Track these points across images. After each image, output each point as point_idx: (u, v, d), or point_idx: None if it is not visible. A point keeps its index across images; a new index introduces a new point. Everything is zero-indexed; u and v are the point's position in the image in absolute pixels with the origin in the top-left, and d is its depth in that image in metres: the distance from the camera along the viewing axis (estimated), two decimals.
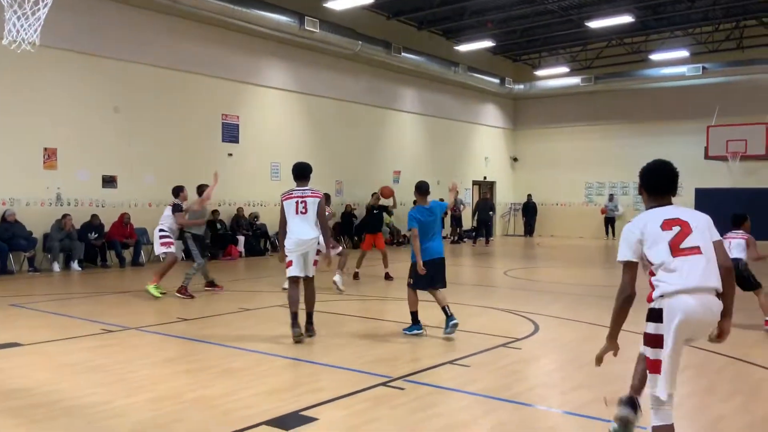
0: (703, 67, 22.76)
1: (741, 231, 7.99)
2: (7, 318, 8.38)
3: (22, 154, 13.50)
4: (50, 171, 13.97)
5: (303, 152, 19.55)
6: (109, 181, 14.91)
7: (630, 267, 3.53)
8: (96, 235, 14.23)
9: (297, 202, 7.04)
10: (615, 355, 3.76)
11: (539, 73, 26.08)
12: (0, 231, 12.88)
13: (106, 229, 14.50)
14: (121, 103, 15.14)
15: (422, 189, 7.76)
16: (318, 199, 7.14)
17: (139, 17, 15.34)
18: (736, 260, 7.59)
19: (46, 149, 13.91)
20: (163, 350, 6.71)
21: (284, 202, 7.12)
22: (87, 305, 9.51)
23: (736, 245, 7.78)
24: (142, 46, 15.48)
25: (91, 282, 12.35)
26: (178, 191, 10.47)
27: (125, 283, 12.22)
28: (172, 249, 10.05)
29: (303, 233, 6.98)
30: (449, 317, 7.17)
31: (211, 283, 10.67)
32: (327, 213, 8.20)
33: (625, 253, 3.53)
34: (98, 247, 14.35)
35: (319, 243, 7.36)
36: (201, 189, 10.56)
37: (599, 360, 3.76)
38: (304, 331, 6.99)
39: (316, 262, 7.28)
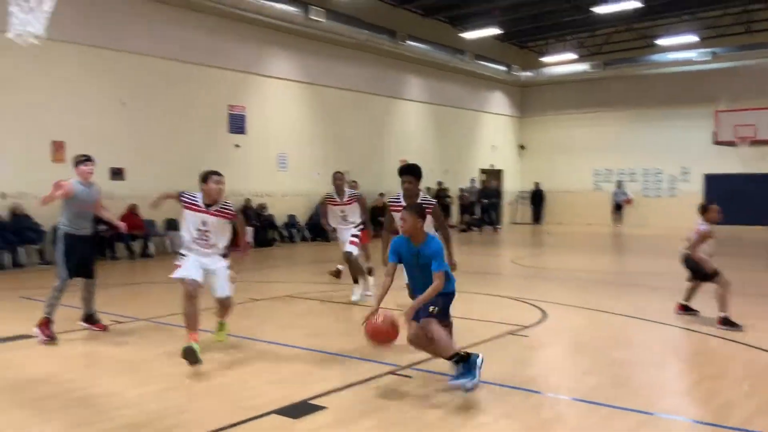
0: (713, 52, 22.55)
1: (701, 220, 7.64)
2: (18, 310, 8.46)
3: (30, 148, 13.57)
4: (58, 164, 14.02)
5: (310, 142, 19.59)
6: (117, 173, 14.98)
7: None
8: (105, 227, 14.29)
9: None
10: None
11: (546, 59, 25.92)
12: (10, 225, 12.99)
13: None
14: (128, 96, 15.18)
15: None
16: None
17: (144, 8, 15.35)
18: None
19: (54, 142, 13.97)
20: (173, 341, 6.74)
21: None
22: (97, 297, 9.58)
23: (693, 236, 7.58)
24: (148, 38, 15.49)
25: (100, 274, 12.38)
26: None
27: (135, 275, 12.30)
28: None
29: None
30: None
31: None
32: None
33: None
34: (107, 239, 14.43)
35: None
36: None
37: None
38: None
39: None
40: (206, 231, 5.94)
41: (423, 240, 5.13)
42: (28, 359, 6.06)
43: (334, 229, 9.23)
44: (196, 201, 5.98)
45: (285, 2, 16.43)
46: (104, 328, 7.15)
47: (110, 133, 14.80)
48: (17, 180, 13.32)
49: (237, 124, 17.68)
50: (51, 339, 6.54)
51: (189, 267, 5.81)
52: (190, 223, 5.97)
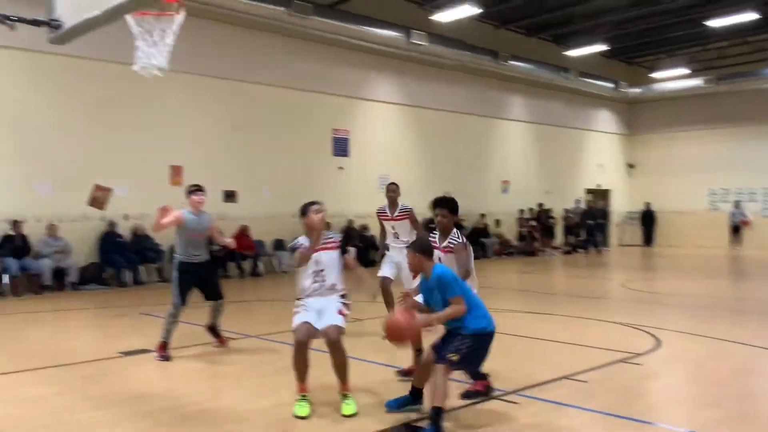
0: None
1: None
2: (138, 326, 8.96)
3: (150, 172, 14.45)
4: (176, 187, 14.83)
5: (411, 164, 19.74)
6: (229, 196, 15.66)
7: None
8: (218, 248, 14.93)
9: None
10: None
11: (656, 75, 24.94)
12: (131, 244, 13.85)
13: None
14: (239, 122, 15.89)
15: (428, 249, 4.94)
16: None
17: (253, 38, 16.07)
18: None
19: (172, 167, 14.82)
20: (283, 358, 6.92)
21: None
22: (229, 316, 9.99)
23: None
24: (257, 66, 16.20)
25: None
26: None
27: (245, 293, 12.76)
28: None
29: None
30: None
31: None
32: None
33: None
34: (220, 259, 15.06)
35: None
36: None
37: None
38: None
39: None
40: (320, 271, 5.27)
41: (431, 274, 4.75)
42: (145, 373, 6.39)
43: (387, 247, 8.00)
44: (303, 244, 5.33)
45: (388, 28, 16.73)
46: (224, 343, 7.39)
47: (223, 158, 15.53)
48: (138, 202, 14.17)
49: (340, 147, 18.10)
50: (167, 360, 6.77)
51: (302, 315, 5.20)
52: (308, 269, 5.31)
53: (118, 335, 8.25)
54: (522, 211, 22.23)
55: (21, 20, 5.39)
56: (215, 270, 7.57)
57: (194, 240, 7.06)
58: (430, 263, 4.77)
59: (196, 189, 7.19)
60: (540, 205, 23.04)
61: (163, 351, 6.82)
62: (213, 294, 7.25)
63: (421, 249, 4.79)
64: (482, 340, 4.71)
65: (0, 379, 6.14)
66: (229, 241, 7.63)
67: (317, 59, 17.35)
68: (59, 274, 12.83)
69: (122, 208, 14.03)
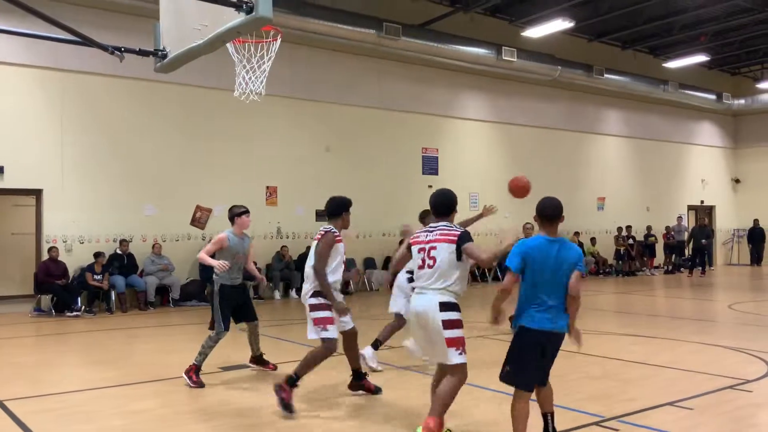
0: None
1: None
2: (237, 341, 9.20)
3: (248, 192, 14.95)
4: (271, 207, 15.32)
5: (501, 182, 19.43)
6: (321, 215, 15.97)
7: None
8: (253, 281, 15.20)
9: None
10: None
11: (762, 86, 23.62)
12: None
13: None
14: (332, 143, 16.23)
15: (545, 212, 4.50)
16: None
17: (346, 61, 16.42)
18: None
19: (268, 187, 15.30)
20: (374, 376, 6.95)
21: None
22: (303, 331, 10.14)
23: None
24: (349, 88, 16.53)
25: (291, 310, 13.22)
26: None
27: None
28: None
29: None
30: None
31: None
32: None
33: None
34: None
35: None
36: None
37: None
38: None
39: None
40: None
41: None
42: (246, 388, 6.57)
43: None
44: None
45: (478, 45, 16.71)
46: (274, 368, 7.30)
47: (316, 178, 15.89)
48: None
49: (430, 165, 18.13)
50: (199, 386, 6.52)
51: None
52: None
53: (216, 350, 8.50)
54: (620, 228, 21.44)
55: (129, 51, 5.73)
56: (247, 291, 7.41)
57: (235, 262, 6.84)
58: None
59: (246, 211, 7.06)
60: (619, 229, 21.66)
61: (195, 376, 6.62)
62: (249, 315, 7.12)
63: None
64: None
65: (108, 392, 6.49)
66: (261, 278, 7.56)
67: (407, 79, 17.52)
68: (163, 290, 13.47)
69: (222, 227, 14.54)
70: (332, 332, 5.67)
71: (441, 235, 4.63)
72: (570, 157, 21.33)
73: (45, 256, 12.61)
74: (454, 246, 4.53)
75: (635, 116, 23.14)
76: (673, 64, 21.20)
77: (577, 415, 5.36)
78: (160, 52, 5.76)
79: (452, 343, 4.42)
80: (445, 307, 4.46)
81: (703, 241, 20.79)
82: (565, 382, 6.59)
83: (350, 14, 14.86)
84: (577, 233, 20.18)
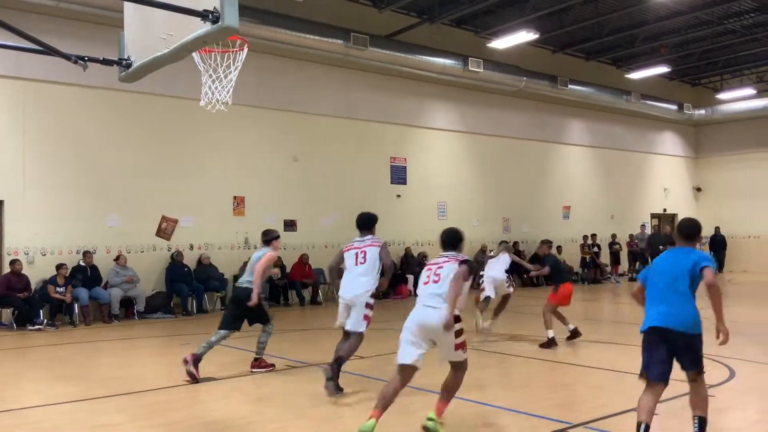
0: None
1: None
2: (207, 356, 9.10)
3: (215, 202, 14.84)
4: (239, 217, 15.19)
5: (468, 191, 19.65)
6: (289, 225, 15.91)
7: None
8: (279, 276, 15.18)
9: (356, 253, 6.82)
10: None
11: (722, 96, 24.25)
12: (197, 273, 14.19)
13: (288, 269, 15.42)
14: (300, 152, 16.18)
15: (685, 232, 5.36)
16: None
17: (313, 71, 16.40)
18: None
19: (235, 197, 15.18)
20: (344, 387, 6.92)
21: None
22: (272, 342, 10.06)
23: None
24: (317, 98, 16.52)
25: (275, 320, 13.11)
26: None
27: (306, 321, 12.86)
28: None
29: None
30: None
31: None
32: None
33: None
34: (281, 287, 15.26)
35: None
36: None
37: None
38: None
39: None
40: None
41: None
42: (213, 401, 6.48)
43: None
44: None
45: (444, 56, 16.86)
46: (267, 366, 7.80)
47: (284, 188, 15.82)
48: (203, 232, 14.56)
49: (398, 174, 18.18)
50: (269, 368, 7.55)
51: None
52: None
53: (180, 365, 8.40)
54: (585, 237, 21.74)
55: (93, 60, 5.65)
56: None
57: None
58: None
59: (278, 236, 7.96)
60: (585, 237, 22.02)
61: (265, 362, 7.68)
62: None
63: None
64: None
65: (73, 407, 6.34)
66: (254, 295, 7.59)
67: (375, 89, 17.57)
68: (127, 303, 13.24)
69: (188, 238, 14.42)
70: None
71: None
72: (536, 166, 21.60)
73: (6, 269, 12.30)
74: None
75: (599, 126, 23.54)
76: (636, 75, 21.64)
77: (543, 421, 5.41)
78: (124, 61, 5.70)
79: (459, 346, 5.14)
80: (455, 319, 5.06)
81: (660, 247, 21.19)
82: (533, 389, 6.65)
83: (318, 24, 14.88)
84: (544, 241, 20.35)
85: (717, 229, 25.55)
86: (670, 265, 4.87)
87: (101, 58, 5.66)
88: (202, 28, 4.45)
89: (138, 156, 13.96)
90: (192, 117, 13.80)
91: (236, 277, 14.77)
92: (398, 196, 18.05)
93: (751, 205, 25.25)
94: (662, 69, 21.51)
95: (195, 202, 14.55)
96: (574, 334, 9.41)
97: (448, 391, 5.26)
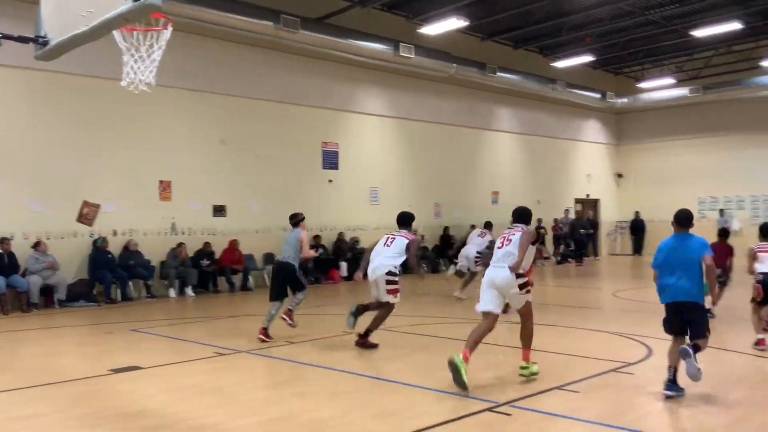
0: None
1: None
2: (128, 342, 8.89)
3: (140, 187, 14.39)
4: (165, 202, 14.80)
5: (400, 176, 19.77)
6: (219, 210, 15.62)
7: None
8: (208, 262, 14.91)
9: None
10: None
11: (643, 85, 25.17)
12: (122, 260, 13.77)
13: (217, 255, 15.16)
14: (228, 136, 15.87)
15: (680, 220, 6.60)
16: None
17: (242, 53, 16.08)
18: None
19: (161, 182, 14.77)
20: (273, 373, 6.91)
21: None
22: (201, 329, 9.94)
23: None
24: (246, 81, 16.21)
25: (204, 307, 12.93)
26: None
27: (236, 308, 12.70)
28: None
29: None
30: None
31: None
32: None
33: None
34: (210, 274, 15.00)
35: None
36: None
37: None
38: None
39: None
40: None
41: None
42: (138, 390, 6.33)
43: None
44: None
45: (376, 41, 16.80)
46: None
47: (212, 172, 15.49)
48: (127, 217, 14.12)
49: (330, 160, 18.10)
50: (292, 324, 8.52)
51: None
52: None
53: (108, 352, 8.19)
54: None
55: (7, 37, 5.38)
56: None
57: None
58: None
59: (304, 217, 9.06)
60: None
61: (290, 318, 8.56)
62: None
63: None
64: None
65: None
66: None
67: (306, 73, 17.39)
68: (47, 291, 12.72)
69: (111, 224, 13.96)
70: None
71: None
72: (466, 152, 21.91)
73: None
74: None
75: (526, 113, 24.06)
76: (561, 63, 22.18)
77: (469, 401, 5.53)
78: (41, 39, 5.45)
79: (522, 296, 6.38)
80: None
81: (582, 231, 22.08)
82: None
83: (246, 5, 14.53)
84: (472, 226, 20.72)
85: (637, 213, 26.64)
86: (678, 249, 6.16)
87: (15, 36, 5.39)
88: (124, 5, 4.30)
89: (57, 138, 13.38)
90: (114, 98, 13.26)
91: (163, 264, 14.45)
92: (330, 181, 17.98)
93: (669, 191, 26.33)
94: (587, 58, 22.12)
95: (118, 187, 14.08)
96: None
97: (525, 339, 6.41)
